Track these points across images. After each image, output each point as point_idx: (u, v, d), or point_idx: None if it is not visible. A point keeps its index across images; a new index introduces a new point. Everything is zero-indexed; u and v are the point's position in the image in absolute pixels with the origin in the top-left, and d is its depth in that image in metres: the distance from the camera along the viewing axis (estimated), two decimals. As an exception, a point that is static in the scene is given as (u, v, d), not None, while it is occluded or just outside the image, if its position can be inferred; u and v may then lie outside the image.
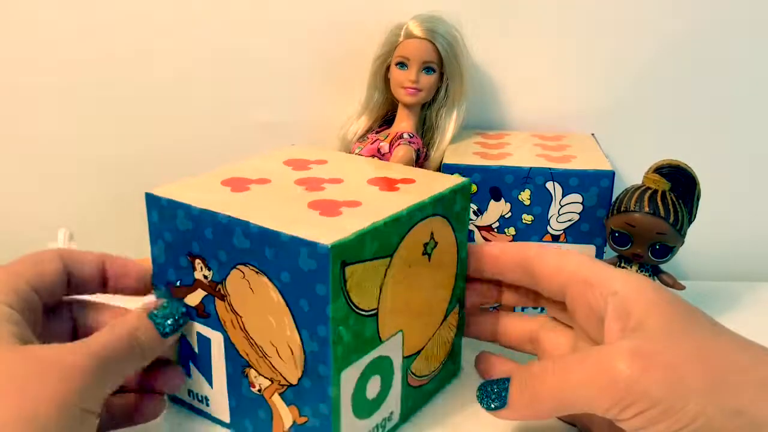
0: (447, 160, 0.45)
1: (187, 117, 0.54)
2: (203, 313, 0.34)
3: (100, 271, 0.34)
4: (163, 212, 0.33)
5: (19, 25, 0.51)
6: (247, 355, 0.33)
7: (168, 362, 0.36)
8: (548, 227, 0.45)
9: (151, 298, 0.35)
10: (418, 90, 0.48)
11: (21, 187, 0.56)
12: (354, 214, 0.31)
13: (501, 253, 0.37)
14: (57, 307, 0.34)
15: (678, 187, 0.41)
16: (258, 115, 0.54)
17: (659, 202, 0.40)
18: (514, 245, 0.37)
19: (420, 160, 0.48)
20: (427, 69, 0.47)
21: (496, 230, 0.46)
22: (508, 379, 0.31)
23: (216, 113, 0.54)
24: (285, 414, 0.32)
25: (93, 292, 0.35)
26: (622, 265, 0.43)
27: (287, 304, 0.30)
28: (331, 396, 0.30)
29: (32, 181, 0.56)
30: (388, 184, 0.35)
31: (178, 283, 0.34)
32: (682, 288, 0.43)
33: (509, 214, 0.45)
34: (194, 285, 0.33)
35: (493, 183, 0.45)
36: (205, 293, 0.33)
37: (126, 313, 0.34)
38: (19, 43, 0.52)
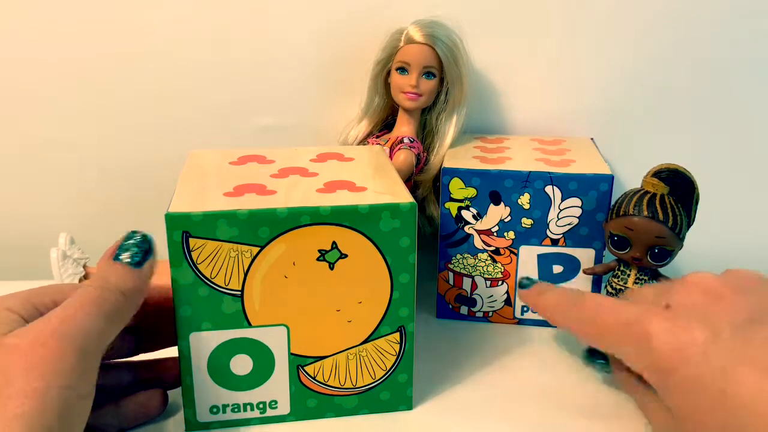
0: (447, 165, 0.46)
1: (188, 120, 0.54)
2: None
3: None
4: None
5: (19, 25, 0.52)
6: None
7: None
8: (547, 231, 0.45)
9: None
10: (419, 95, 0.48)
11: (21, 189, 0.56)
12: (248, 200, 0.34)
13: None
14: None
15: (677, 191, 0.42)
16: (259, 119, 0.54)
17: (658, 206, 0.41)
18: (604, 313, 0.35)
19: (420, 165, 0.49)
20: (428, 74, 0.48)
21: (495, 234, 0.46)
22: None
23: (217, 116, 0.54)
24: None
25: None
26: (621, 269, 0.44)
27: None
28: (180, 351, 0.35)
29: (32, 183, 0.56)
30: (335, 187, 0.36)
31: None
32: (681, 291, 0.43)
33: (509, 218, 0.45)
34: None
35: (492, 187, 0.45)
36: None
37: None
38: (20, 43, 0.52)
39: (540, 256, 0.46)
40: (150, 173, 0.54)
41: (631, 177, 0.48)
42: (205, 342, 0.34)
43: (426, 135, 0.51)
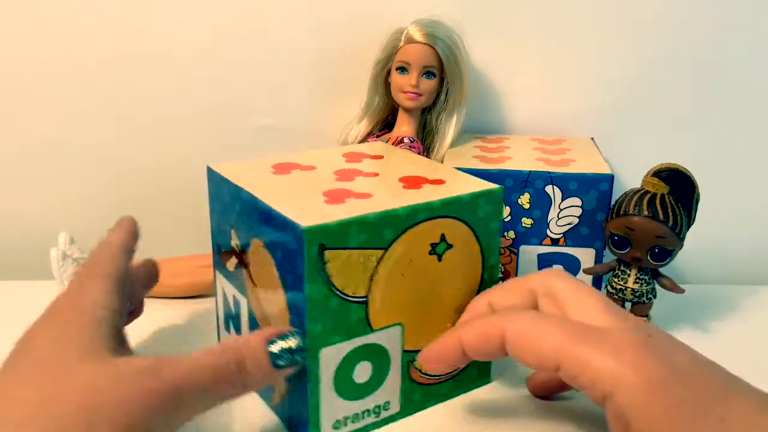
0: (447, 164, 0.46)
1: (188, 121, 0.54)
2: (240, 283, 0.37)
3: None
4: (216, 185, 0.37)
5: (19, 25, 0.52)
6: (261, 323, 0.35)
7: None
8: (548, 231, 0.45)
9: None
10: (419, 94, 0.48)
11: (21, 189, 0.56)
12: (355, 204, 0.32)
13: (470, 344, 0.32)
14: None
15: (677, 191, 0.42)
16: (259, 119, 0.54)
17: (658, 206, 0.41)
18: (478, 331, 0.32)
19: (420, 164, 0.49)
20: (428, 73, 0.48)
21: (495, 234, 0.46)
22: None
23: (216, 117, 0.54)
24: (282, 382, 0.35)
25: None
26: (621, 268, 0.44)
27: (281, 279, 0.32)
28: (309, 370, 0.32)
29: (32, 183, 0.56)
30: (415, 183, 0.36)
31: (222, 249, 0.38)
32: (682, 291, 0.43)
33: (509, 217, 0.45)
34: (230, 252, 0.37)
35: (492, 187, 0.45)
36: (237, 261, 0.36)
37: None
38: (20, 43, 0.52)
39: (540, 256, 0.46)
40: (150, 173, 0.54)
41: (631, 177, 0.48)
42: (332, 356, 0.32)
43: (426, 135, 0.51)
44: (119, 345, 0.29)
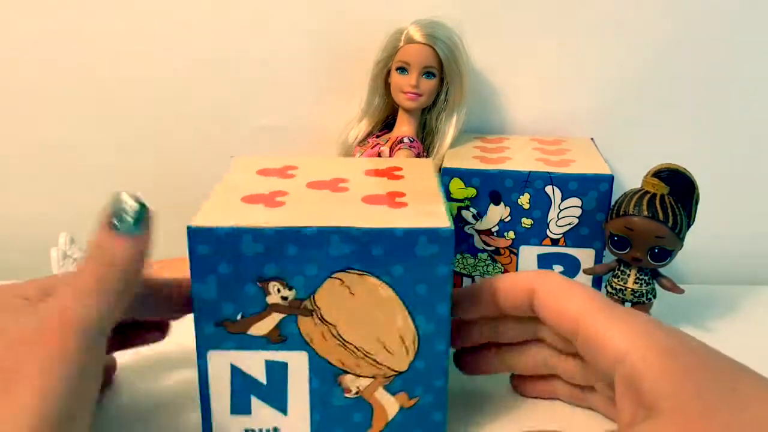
0: (447, 164, 0.46)
1: (188, 120, 0.54)
2: (278, 338, 0.32)
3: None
4: (219, 243, 0.30)
5: (20, 26, 0.52)
6: (342, 362, 0.33)
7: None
8: (547, 231, 0.45)
9: None
10: (419, 95, 0.48)
11: (21, 190, 0.56)
12: (412, 201, 0.33)
13: (497, 287, 0.34)
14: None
15: (677, 191, 0.42)
16: (258, 119, 0.54)
17: (658, 206, 0.41)
18: (511, 278, 0.35)
19: (420, 164, 0.49)
20: (428, 74, 0.48)
21: (495, 234, 0.46)
22: None
23: (216, 117, 0.54)
24: (390, 404, 0.34)
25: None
26: (621, 269, 0.44)
27: (399, 296, 0.31)
28: (447, 367, 0.33)
29: (33, 184, 0.56)
30: (381, 173, 0.36)
31: (239, 317, 0.32)
32: (681, 291, 0.43)
33: (509, 218, 0.45)
34: (266, 311, 0.32)
35: (492, 187, 0.45)
36: (283, 316, 0.32)
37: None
38: (20, 43, 0.52)
39: (540, 256, 0.46)
40: (150, 173, 0.54)
41: (631, 177, 0.48)
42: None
43: (426, 135, 0.51)
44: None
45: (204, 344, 0.32)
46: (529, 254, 0.46)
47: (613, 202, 0.43)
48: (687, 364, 0.28)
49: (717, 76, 0.52)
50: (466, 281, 0.47)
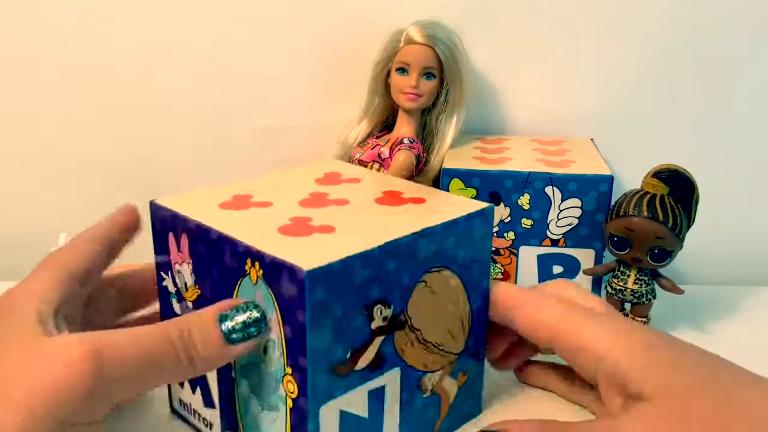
0: (447, 165, 0.46)
1: (188, 121, 0.54)
2: (377, 364, 0.30)
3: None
4: (334, 281, 0.27)
5: (20, 26, 0.52)
6: (425, 365, 0.32)
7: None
8: (547, 231, 0.45)
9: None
10: (419, 95, 0.48)
11: (22, 190, 0.56)
12: (422, 195, 0.35)
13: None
14: (101, 288, 0.33)
15: (676, 192, 0.42)
16: (259, 119, 0.54)
17: (658, 207, 0.41)
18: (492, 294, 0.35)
19: (420, 165, 0.49)
20: (428, 74, 0.48)
21: (495, 235, 0.46)
22: None
23: (217, 118, 0.54)
24: (451, 388, 0.34)
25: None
26: (621, 269, 0.44)
27: (462, 282, 0.33)
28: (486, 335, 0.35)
29: (33, 184, 0.56)
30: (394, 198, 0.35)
31: (348, 355, 0.28)
32: (681, 292, 0.43)
33: (509, 218, 0.45)
34: (370, 338, 0.29)
35: (492, 187, 0.45)
36: (383, 338, 0.30)
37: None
38: (20, 44, 0.52)
39: (540, 257, 0.46)
40: (150, 173, 0.54)
41: (631, 177, 0.48)
42: None
43: (426, 135, 0.51)
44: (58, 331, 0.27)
45: (318, 401, 0.28)
46: (529, 255, 0.46)
47: (612, 203, 0.43)
48: (670, 356, 0.29)
49: (717, 77, 0.52)
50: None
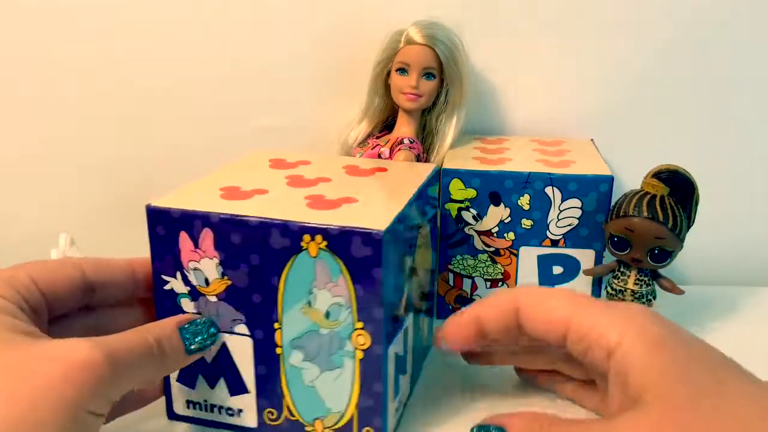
0: (446, 165, 0.46)
1: (188, 121, 0.54)
2: (406, 309, 0.36)
3: (130, 277, 0.34)
4: (393, 240, 0.32)
5: (20, 26, 0.52)
6: (419, 307, 0.39)
7: None
8: (547, 232, 0.45)
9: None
10: (419, 95, 0.48)
11: (22, 190, 0.56)
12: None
13: (479, 317, 0.34)
14: (70, 315, 0.33)
15: (677, 192, 0.42)
16: (259, 119, 0.54)
17: (658, 207, 0.41)
18: (491, 303, 0.34)
19: (420, 165, 0.49)
20: (428, 75, 0.48)
21: (495, 235, 0.46)
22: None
23: (217, 118, 0.54)
24: (425, 325, 0.41)
25: (124, 298, 0.34)
26: (621, 270, 0.44)
27: (429, 230, 0.40)
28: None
29: (33, 185, 0.56)
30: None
31: (398, 301, 0.34)
32: (681, 293, 0.43)
33: (509, 219, 0.45)
34: (404, 286, 0.35)
35: (492, 188, 0.45)
36: (408, 285, 0.36)
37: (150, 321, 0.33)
38: (20, 43, 0.52)
39: (540, 257, 0.46)
40: (150, 173, 0.55)
41: (631, 178, 0.48)
42: None
43: (426, 136, 0.51)
44: (36, 334, 0.28)
45: (387, 345, 0.32)
46: (529, 255, 0.46)
47: (613, 203, 0.43)
48: (674, 355, 0.28)
49: (717, 77, 0.52)
50: (466, 282, 0.47)
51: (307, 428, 0.34)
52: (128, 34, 0.52)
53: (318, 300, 0.32)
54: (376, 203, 0.34)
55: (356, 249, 0.30)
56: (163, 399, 0.36)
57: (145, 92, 0.53)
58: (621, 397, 0.29)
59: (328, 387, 0.33)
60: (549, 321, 0.32)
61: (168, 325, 0.31)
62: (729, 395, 0.26)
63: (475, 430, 0.30)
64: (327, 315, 0.32)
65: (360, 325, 0.32)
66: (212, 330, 0.33)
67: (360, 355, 0.32)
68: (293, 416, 0.34)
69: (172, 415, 0.36)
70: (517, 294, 0.33)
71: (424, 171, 0.39)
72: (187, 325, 0.32)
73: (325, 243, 0.30)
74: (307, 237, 0.31)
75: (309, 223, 0.31)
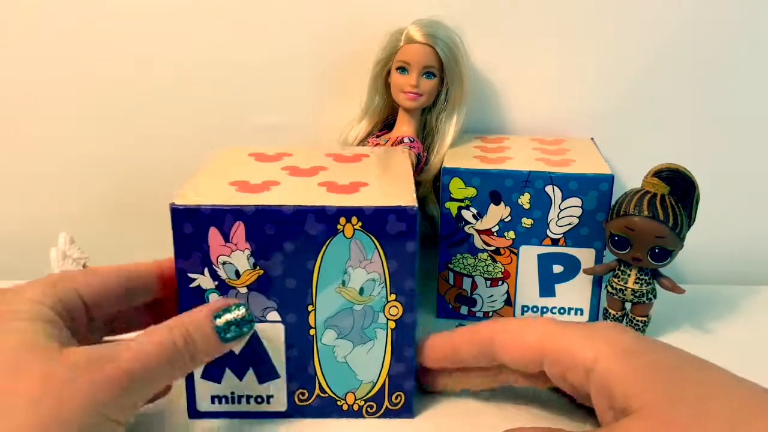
0: (447, 164, 0.46)
1: (188, 120, 0.54)
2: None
3: (159, 281, 0.34)
4: (417, 216, 0.34)
5: (20, 26, 0.52)
6: None
7: None
8: (548, 231, 0.45)
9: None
10: (419, 94, 0.48)
11: (22, 190, 0.56)
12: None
13: (454, 340, 0.36)
14: (111, 320, 0.34)
15: (677, 191, 0.42)
16: (258, 118, 0.54)
17: (658, 206, 0.41)
18: (467, 331, 0.36)
19: (420, 165, 0.49)
20: (428, 74, 0.48)
21: (495, 234, 0.46)
22: None
23: (217, 116, 0.54)
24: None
25: (152, 300, 0.35)
26: (621, 269, 0.44)
27: None
28: None
29: (33, 184, 0.56)
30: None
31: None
32: (682, 291, 0.43)
33: (509, 218, 0.45)
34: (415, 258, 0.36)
35: (492, 187, 0.45)
36: None
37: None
38: (20, 43, 0.52)
39: (540, 256, 0.46)
40: (150, 173, 0.54)
41: (631, 177, 0.48)
42: None
43: (426, 135, 0.51)
44: (66, 342, 0.28)
45: (416, 311, 0.35)
46: (529, 254, 0.46)
47: (613, 202, 0.43)
48: (651, 362, 0.29)
49: (717, 76, 0.52)
50: (466, 281, 0.47)
51: (339, 402, 0.36)
52: (127, 33, 0.52)
53: (353, 278, 0.34)
54: (387, 184, 0.36)
55: (391, 226, 0.33)
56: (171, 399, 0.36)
57: (145, 91, 0.53)
58: (609, 410, 0.29)
59: (360, 360, 0.35)
60: (522, 347, 0.33)
61: (199, 315, 0.31)
62: (710, 395, 0.27)
63: None
64: (361, 291, 0.34)
65: (393, 297, 0.34)
66: (248, 316, 0.32)
67: (392, 325, 0.35)
68: (325, 393, 0.36)
69: (194, 414, 0.36)
70: (493, 324, 0.35)
71: (399, 153, 0.43)
72: (220, 313, 0.32)
73: (360, 224, 0.33)
74: (343, 219, 0.33)
75: (345, 205, 0.33)
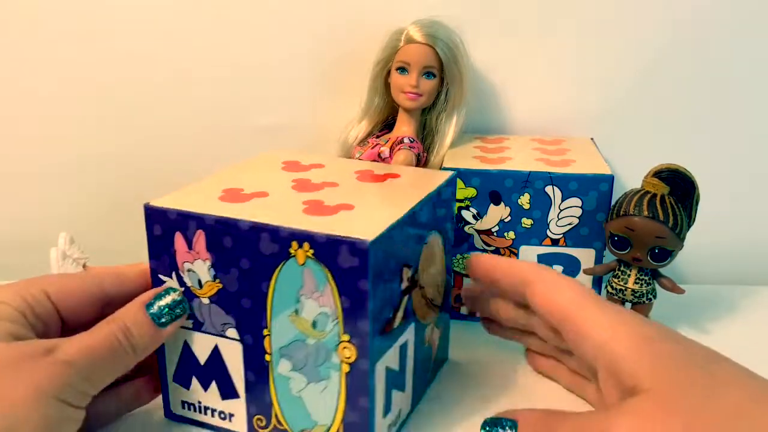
0: (447, 165, 0.46)
1: (188, 120, 0.54)
2: (403, 322, 0.34)
3: (144, 286, 0.34)
4: (384, 250, 0.30)
5: (20, 26, 0.52)
6: (425, 319, 0.37)
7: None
8: (548, 231, 0.45)
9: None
10: (419, 95, 0.48)
11: (22, 190, 0.56)
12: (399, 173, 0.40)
13: (496, 266, 0.37)
14: (88, 324, 0.33)
15: (677, 191, 0.42)
16: (258, 118, 0.54)
17: (658, 206, 0.41)
18: (510, 263, 0.37)
19: (420, 165, 0.49)
20: (428, 74, 0.48)
21: (495, 234, 0.46)
22: (514, 424, 0.30)
23: (217, 117, 0.54)
24: (436, 338, 0.39)
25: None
26: (621, 269, 0.44)
27: (442, 240, 0.38)
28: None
29: (33, 184, 0.56)
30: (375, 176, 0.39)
31: (391, 315, 0.32)
32: (682, 292, 0.43)
33: (509, 218, 0.45)
34: (401, 299, 0.33)
35: (492, 187, 0.45)
36: (408, 297, 0.34)
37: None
38: (20, 43, 0.52)
39: (540, 256, 0.46)
40: (150, 173, 0.54)
41: (631, 177, 0.48)
42: None
43: (426, 135, 0.51)
44: (23, 338, 0.30)
45: (374, 360, 0.31)
46: (529, 254, 0.46)
47: (613, 202, 0.43)
48: (666, 349, 0.29)
49: (716, 76, 0.52)
50: (466, 281, 0.47)
51: None
52: (127, 32, 0.52)
53: (305, 309, 0.31)
54: (374, 211, 0.32)
55: (343, 259, 0.29)
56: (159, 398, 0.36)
57: (145, 91, 0.53)
58: (615, 389, 0.29)
59: (314, 399, 0.32)
60: (550, 303, 0.34)
61: (132, 308, 0.32)
62: (721, 385, 0.27)
63: (487, 422, 0.31)
64: (314, 324, 0.31)
65: (346, 337, 0.30)
66: (177, 299, 0.33)
67: (346, 368, 0.31)
68: (281, 425, 0.33)
69: (169, 414, 0.37)
70: (534, 269, 0.36)
71: (438, 178, 0.37)
72: (152, 301, 0.32)
73: (312, 251, 0.29)
74: (295, 244, 0.30)
75: (297, 229, 0.30)
